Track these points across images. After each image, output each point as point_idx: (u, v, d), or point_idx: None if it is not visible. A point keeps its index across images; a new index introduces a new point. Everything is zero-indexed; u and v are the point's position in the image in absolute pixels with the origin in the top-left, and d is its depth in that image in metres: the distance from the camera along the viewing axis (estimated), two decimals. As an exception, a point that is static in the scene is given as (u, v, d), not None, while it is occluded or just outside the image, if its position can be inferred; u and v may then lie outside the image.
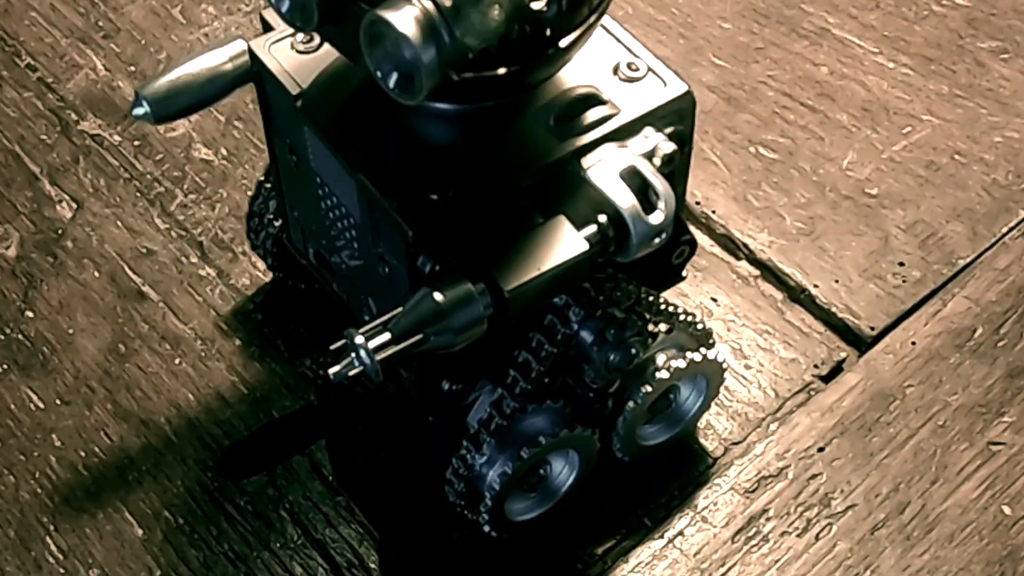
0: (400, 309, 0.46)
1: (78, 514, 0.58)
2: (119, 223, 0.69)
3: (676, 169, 0.51)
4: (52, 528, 0.58)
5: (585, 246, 0.47)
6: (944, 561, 0.55)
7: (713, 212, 0.68)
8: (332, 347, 0.46)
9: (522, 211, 0.48)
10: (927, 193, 0.69)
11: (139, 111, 0.52)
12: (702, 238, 0.67)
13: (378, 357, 0.45)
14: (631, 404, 0.54)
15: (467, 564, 0.56)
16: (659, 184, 0.48)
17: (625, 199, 0.48)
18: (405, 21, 0.40)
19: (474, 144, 0.49)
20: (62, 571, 0.57)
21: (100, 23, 0.81)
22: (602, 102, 0.50)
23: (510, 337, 0.51)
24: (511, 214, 0.48)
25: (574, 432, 0.53)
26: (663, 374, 0.54)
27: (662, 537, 0.56)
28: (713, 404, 0.60)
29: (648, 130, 0.50)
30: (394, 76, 0.42)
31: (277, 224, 0.61)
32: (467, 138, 0.49)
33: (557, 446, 0.53)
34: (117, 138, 0.74)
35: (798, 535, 0.56)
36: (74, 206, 0.71)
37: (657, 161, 0.49)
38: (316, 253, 0.57)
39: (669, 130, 0.50)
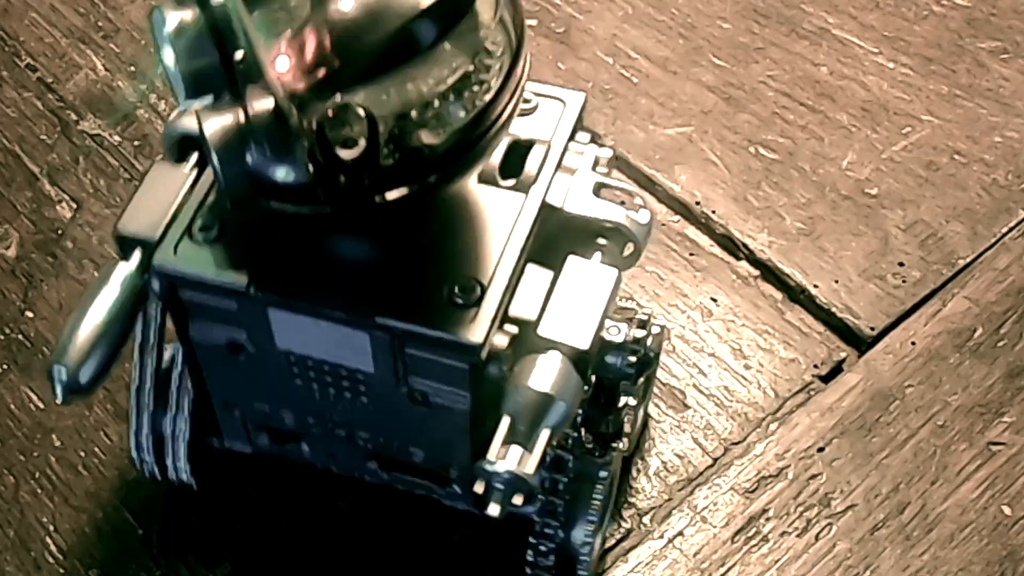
0: (506, 420, 0.43)
1: (78, 514, 0.58)
2: (119, 223, 0.69)
3: None
4: (52, 528, 0.58)
5: (614, 271, 0.47)
6: (944, 561, 0.55)
7: (713, 212, 0.68)
8: (476, 490, 0.43)
9: (531, 273, 0.47)
10: (927, 193, 0.69)
11: (61, 391, 0.44)
12: (702, 238, 0.67)
13: (531, 471, 0.42)
14: (633, 400, 0.54)
15: (468, 564, 0.56)
16: (627, 184, 0.49)
17: (616, 213, 0.48)
18: None
19: (451, 236, 0.47)
20: (62, 571, 0.57)
21: (100, 23, 0.81)
22: (531, 143, 0.49)
23: None
24: (526, 280, 0.46)
25: (617, 449, 0.52)
26: (651, 357, 0.53)
27: (662, 537, 0.56)
28: (713, 404, 0.60)
29: (574, 145, 0.50)
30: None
31: (184, 442, 0.54)
32: (440, 234, 0.47)
33: (614, 471, 0.52)
34: (117, 138, 0.74)
35: (798, 535, 0.56)
36: (74, 206, 0.71)
37: (603, 169, 0.50)
38: (273, 434, 0.53)
39: (587, 137, 0.50)
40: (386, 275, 0.46)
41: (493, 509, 0.42)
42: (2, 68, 0.78)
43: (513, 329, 0.45)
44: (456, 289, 0.44)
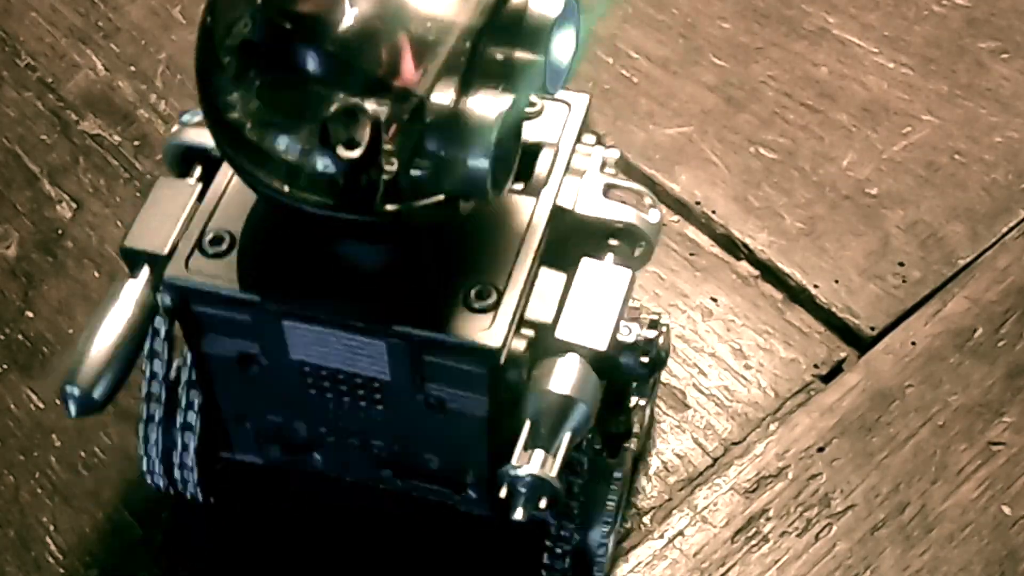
0: (528, 424, 0.43)
1: (78, 514, 0.58)
2: (119, 223, 0.69)
3: None
4: (52, 528, 0.58)
5: (628, 272, 0.47)
6: (944, 561, 0.55)
7: (713, 212, 0.68)
8: (500, 495, 0.43)
9: (545, 276, 0.47)
10: (927, 193, 0.69)
11: (75, 408, 0.45)
12: (702, 238, 0.67)
13: (554, 474, 0.42)
14: (643, 401, 0.54)
15: (468, 565, 0.56)
16: (635, 185, 0.49)
17: (628, 214, 0.48)
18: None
19: (465, 241, 0.46)
20: (62, 571, 0.57)
21: (100, 23, 0.81)
22: (539, 146, 0.49)
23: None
24: (540, 284, 0.46)
25: (628, 449, 0.52)
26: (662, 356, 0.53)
27: (662, 537, 0.56)
28: (713, 404, 0.60)
29: (580, 148, 0.50)
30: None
31: (192, 459, 0.54)
32: (454, 240, 0.46)
33: (626, 471, 0.52)
34: (117, 138, 0.74)
35: (798, 535, 0.56)
36: (74, 206, 0.71)
37: (611, 170, 0.50)
38: (284, 447, 0.53)
39: (593, 139, 0.50)
40: (402, 282, 0.45)
41: (518, 514, 0.42)
42: (2, 68, 0.78)
43: (530, 333, 0.45)
44: (472, 294, 0.44)
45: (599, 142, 0.51)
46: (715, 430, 0.60)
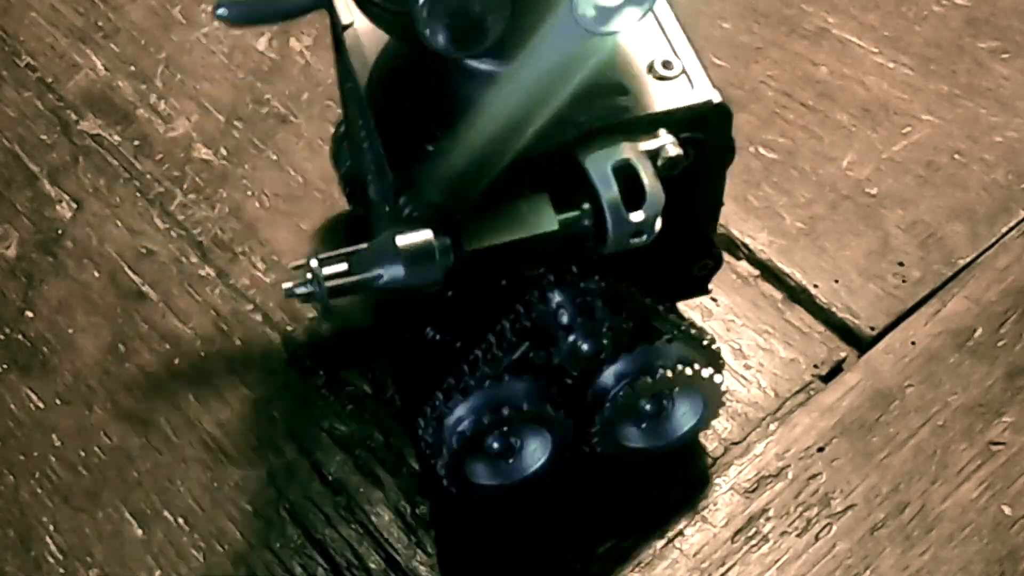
0: (363, 247, 0.48)
1: (78, 514, 0.58)
2: (119, 223, 0.70)
3: (707, 180, 0.51)
4: (52, 528, 0.58)
5: (554, 225, 0.48)
6: (944, 561, 0.55)
7: (713, 212, 0.68)
8: (292, 265, 0.48)
9: (513, 183, 0.48)
10: (927, 193, 0.69)
11: (222, 11, 0.53)
12: (702, 238, 0.68)
13: (328, 284, 0.47)
14: (607, 404, 0.53)
15: (466, 563, 0.56)
16: (649, 184, 0.48)
17: (607, 193, 0.48)
18: None
19: (467, 116, 0.49)
20: (62, 571, 0.57)
21: (100, 23, 0.81)
22: (621, 93, 0.50)
23: (498, 301, 0.51)
24: (502, 183, 0.48)
25: (542, 410, 0.52)
26: (647, 380, 0.53)
27: (662, 537, 0.56)
28: (713, 404, 0.60)
29: (662, 131, 0.49)
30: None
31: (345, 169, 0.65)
32: (484, 108, 0.49)
33: (521, 420, 0.52)
34: (117, 138, 0.74)
35: (798, 535, 0.56)
36: (74, 206, 0.71)
37: (660, 162, 0.49)
38: (360, 191, 0.60)
39: (685, 135, 0.50)
40: (416, 94, 0.50)
41: (286, 284, 0.48)
42: (2, 68, 0.78)
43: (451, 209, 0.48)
44: (428, 149, 0.48)
45: (687, 142, 0.50)
46: (715, 430, 0.60)
